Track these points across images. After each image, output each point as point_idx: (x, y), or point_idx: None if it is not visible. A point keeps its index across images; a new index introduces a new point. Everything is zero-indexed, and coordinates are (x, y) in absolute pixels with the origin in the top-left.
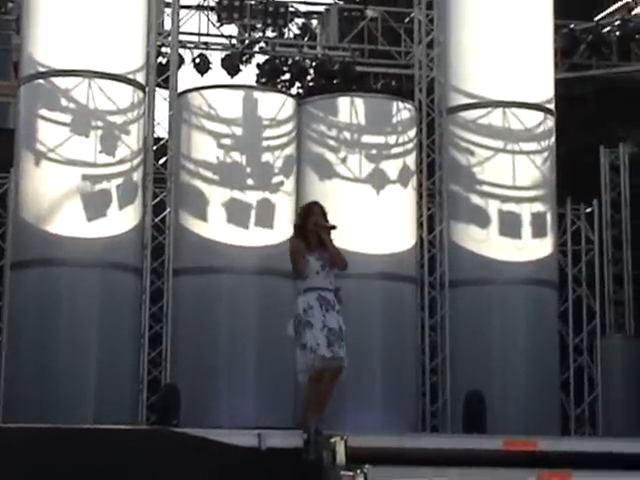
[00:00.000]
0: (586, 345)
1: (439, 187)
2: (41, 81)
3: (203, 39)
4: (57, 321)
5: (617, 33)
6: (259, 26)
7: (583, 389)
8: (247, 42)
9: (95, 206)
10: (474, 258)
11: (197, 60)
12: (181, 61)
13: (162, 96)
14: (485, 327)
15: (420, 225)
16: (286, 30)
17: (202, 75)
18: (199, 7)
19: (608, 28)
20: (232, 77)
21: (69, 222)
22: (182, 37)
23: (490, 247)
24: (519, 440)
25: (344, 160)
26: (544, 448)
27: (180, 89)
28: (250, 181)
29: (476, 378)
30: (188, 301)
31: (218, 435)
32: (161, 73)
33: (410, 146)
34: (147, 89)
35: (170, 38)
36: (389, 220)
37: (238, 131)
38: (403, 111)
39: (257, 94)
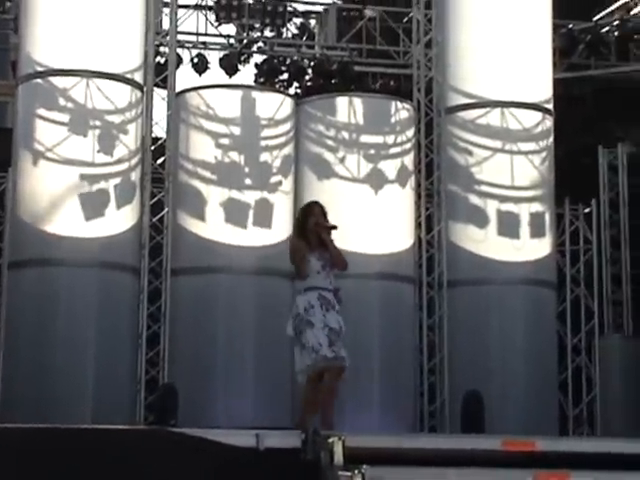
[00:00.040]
0: (584, 345)
1: (437, 187)
2: (39, 80)
3: (201, 39)
4: (55, 320)
5: (616, 33)
6: (257, 26)
7: (581, 389)
8: (245, 42)
9: (93, 206)
10: (472, 258)
11: (195, 60)
12: (179, 61)
13: (160, 96)
14: (483, 327)
15: (418, 225)
16: (284, 30)
17: (200, 75)
18: (197, 7)
19: (607, 28)
20: (230, 77)
21: (67, 222)
22: (180, 37)
23: (488, 247)
24: (517, 440)
25: (342, 160)
26: (542, 448)
27: (178, 89)
28: (248, 181)
29: (474, 378)
30: (186, 301)
31: (216, 435)
32: (159, 73)
33: (408, 146)
34: (145, 89)
35: (168, 38)
36: (387, 220)
37: (236, 131)
38: (401, 111)
39: (255, 94)
